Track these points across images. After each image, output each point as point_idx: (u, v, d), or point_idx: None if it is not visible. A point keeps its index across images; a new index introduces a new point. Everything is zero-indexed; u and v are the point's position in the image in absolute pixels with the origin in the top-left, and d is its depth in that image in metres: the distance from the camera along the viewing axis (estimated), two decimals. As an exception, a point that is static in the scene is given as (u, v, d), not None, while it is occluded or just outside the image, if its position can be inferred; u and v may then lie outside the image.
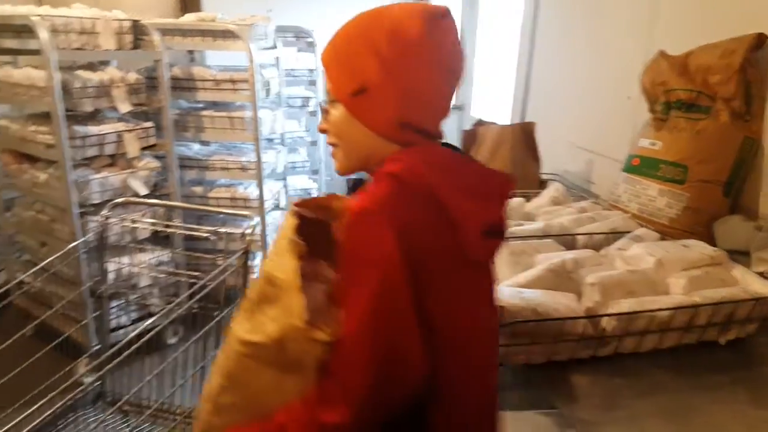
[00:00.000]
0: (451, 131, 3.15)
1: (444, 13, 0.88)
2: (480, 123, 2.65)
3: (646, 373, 1.36)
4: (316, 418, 0.81)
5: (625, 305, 1.38)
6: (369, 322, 0.81)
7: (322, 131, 0.96)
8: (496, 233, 0.93)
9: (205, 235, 1.93)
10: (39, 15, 2.28)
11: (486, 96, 4.00)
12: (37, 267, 2.06)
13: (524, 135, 2.51)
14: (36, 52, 2.48)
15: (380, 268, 0.81)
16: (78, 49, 2.44)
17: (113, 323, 2.74)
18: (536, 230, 1.81)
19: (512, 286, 1.48)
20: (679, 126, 1.95)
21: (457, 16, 4.21)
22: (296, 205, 0.95)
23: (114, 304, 2.74)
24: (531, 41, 3.15)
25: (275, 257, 0.89)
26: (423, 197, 0.85)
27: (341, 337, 0.82)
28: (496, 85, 3.82)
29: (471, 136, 2.57)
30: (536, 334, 1.34)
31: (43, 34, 2.24)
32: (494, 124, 2.67)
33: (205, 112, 3.01)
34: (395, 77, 0.86)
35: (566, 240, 1.78)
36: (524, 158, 2.51)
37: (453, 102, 0.95)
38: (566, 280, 1.51)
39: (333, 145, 0.96)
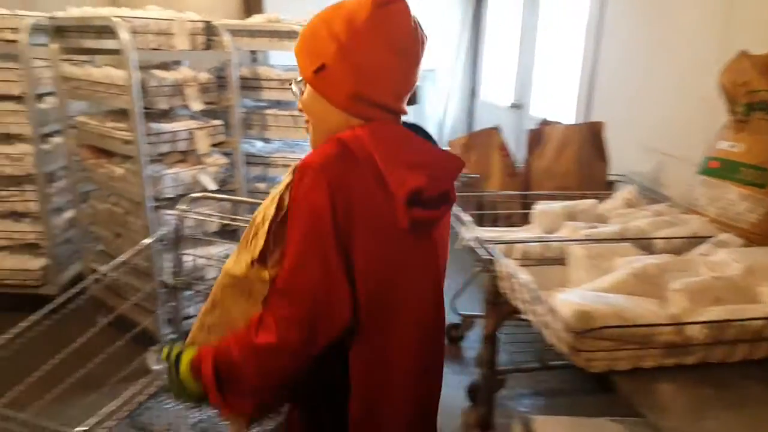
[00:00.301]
0: (508, 129, 3.13)
1: (392, 0, 0.98)
2: (545, 122, 2.61)
3: (736, 384, 1.32)
4: (251, 340, 0.97)
5: (715, 313, 1.34)
6: (296, 263, 0.95)
7: (300, 110, 1.08)
8: (426, 204, 0.99)
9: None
10: (120, 17, 2.38)
11: (546, 94, 3.92)
12: (118, 261, 2.14)
13: (592, 135, 2.47)
14: (115, 52, 2.59)
15: (309, 217, 0.94)
16: (154, 49, 2.53)
17: (182, 314, 2.85)
18: (612, 233, 1.78)
19: (594, 290, 1.47)
20: (762, 128, 1.89)
21: (517, 12, 4.15)
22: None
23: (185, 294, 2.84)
24: (597, 39, 3.09)
25: (266, 203, 1.04)
26: (363, 161, 0.96)
27: (278, 274, 0.97)
28: (557, 84, 3.75)
29: (536, 135, 2.55)
30: (622, 340, 1.32)
31: (124, 35, 2.33)
32: (560, 123, 2.63)
33: (269, 111, 3.07)
34: (348, 55, 0.97)
35: (643, 244, 1.74)
36: (591, 159, 2.47)
37: (417, 82, 1.07)
38: (649, 286, 1.48)
39: (306, 121, 1.08)
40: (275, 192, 1.02)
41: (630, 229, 1.81)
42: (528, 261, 1.71)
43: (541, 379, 2.75)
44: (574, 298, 1.39)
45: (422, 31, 1.03)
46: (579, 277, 1.61)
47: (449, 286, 3.91)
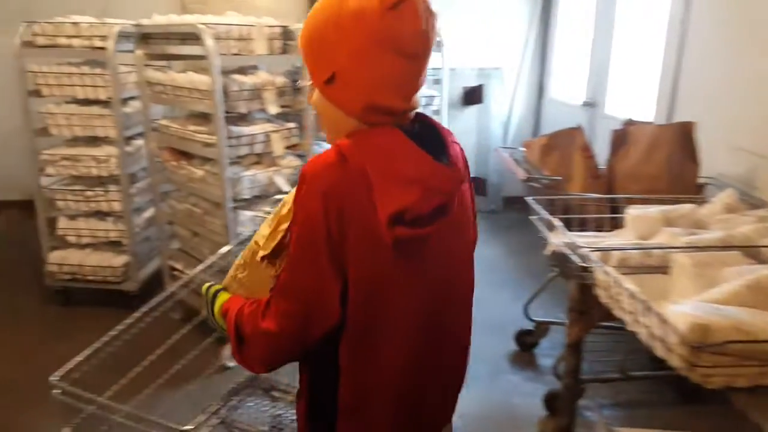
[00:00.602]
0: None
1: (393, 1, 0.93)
2: (630, 122, 2.51)
3: None
4: (258, 322, 1.06)
5: None
6: (292, 266, 1.03)
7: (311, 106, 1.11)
8: (413, 223, 0.98)
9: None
10: (204, 24, 2.44)
11: (624, 92, 3.77)
12: (205, 264, 2.15)
13: (682, 136, 2.35)
14: (197, 58, 2.66)
15: (303, 225, 0.99)
16: (236, 54, 2.59)
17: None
18: (717, 240, 1.68)
19: (706, 302, 1.39)
20: None
21: (591, 6, 4.02)
22: None
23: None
24: (682, 33, 2.94)
25: (287, 199, 1.11)
26: (357, 173, 0.95)
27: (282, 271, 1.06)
28: (636, 80, 3.60)
29: (621, 136, 2.45)
30: (743, 356, 1.24)
31: (209, 41, 2.39)
32: (648, 123, 2.52)
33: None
34: (361, 65, 0.96)
35: (750, 252, 1.64)
36: (682, 161, 2.36)
37: (420, 84, 1.02)
38: (764, 297, 1.39)
39: (320, 121, 1.11)
40: (293, 193, 1.06)
41: (735, 236, 1.71)
42: (626, 269, 1.64)
43: (620, 390, 2.65)
44: (688, 309, 1.32)
45: (434, 23, 0.99)
46: (684, 287, 1.53)
47: (520, 292, 3.85)
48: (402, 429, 1.15)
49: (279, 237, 1.10)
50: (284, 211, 1.10)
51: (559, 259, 1.93)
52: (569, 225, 1.95)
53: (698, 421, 2.50)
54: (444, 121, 3.92)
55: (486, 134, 4.80)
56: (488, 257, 4.11)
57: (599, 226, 2.13)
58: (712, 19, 2.79)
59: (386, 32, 0.94)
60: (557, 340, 3.01)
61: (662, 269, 1.65)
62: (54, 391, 1.31)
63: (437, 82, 3.71)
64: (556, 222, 1.80)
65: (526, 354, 2.98)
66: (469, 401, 2.56)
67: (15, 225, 4.63)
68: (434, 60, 3.74)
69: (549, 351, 2.99)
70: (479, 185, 4.85)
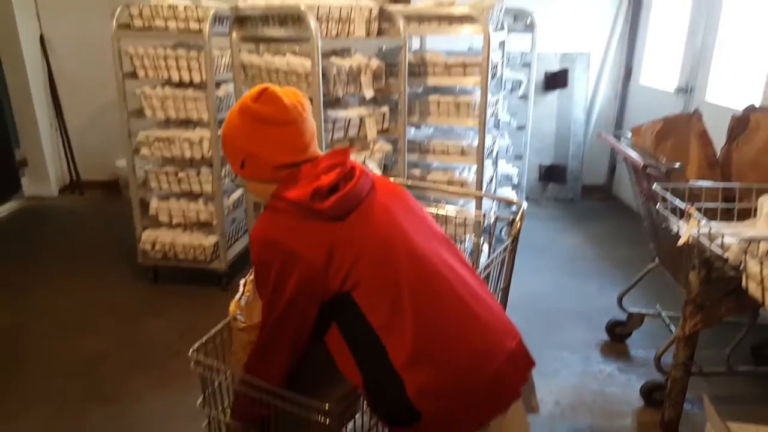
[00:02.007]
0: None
1: (255, 96, 1.27)
2: (753, 108, 2.37)
3: None
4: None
5: None
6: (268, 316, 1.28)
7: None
8: (331, 192, 1.24)
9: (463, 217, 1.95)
10: (306, 5, 2.42)
11: (724, 77, 3.56)
12: None
13: (810, 122, 2.21)
14: (296, 41, 2.66)
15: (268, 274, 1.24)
16: (335, 37, 2.57)
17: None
18: None
19: None
20: None
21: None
22: None
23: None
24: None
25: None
26: (281, 206, 1.24)
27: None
28: (740, 65, 3.39)
29: (742, 122, 2.31)
30: None
31: (313, 23, 2.38)
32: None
33: (431, 97, 3.04)
34: (254, 145, 1.26)
35: None
36: (809, 149, 2.21)
37: (314, 130, 1.33)
38: None
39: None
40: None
41: None
42: (770, 261, 1.55)
43: (720, 384, 2.55)
44: None
45: (298, 99, 1.30)
46: None
47: (605, 282, 3.76)
48: (468, 380, 1.19)
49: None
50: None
51: (690, 250, 1.85)
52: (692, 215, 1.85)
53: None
54: (530, 105, 3.83)
55: (567, 121, 4.65)
56: (568, 247, 4.01)
57: (714, 217, 2.03)
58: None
59: (260, 114, 1.25)
60: (648, 331, 2.92)
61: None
62: (191, 364, 1.36)
63: (526, 65, 3.61)
64: (695, 211, 1.71)
65: (618, 345, 2.90)
66: (562, 390, 2.55)
67: (100, 205, 4.82)
68: (523, 43, 3.67)
69: (640, 342, 2.90)
70: (558, 173, 4.72)
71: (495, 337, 1.25)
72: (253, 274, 1.39)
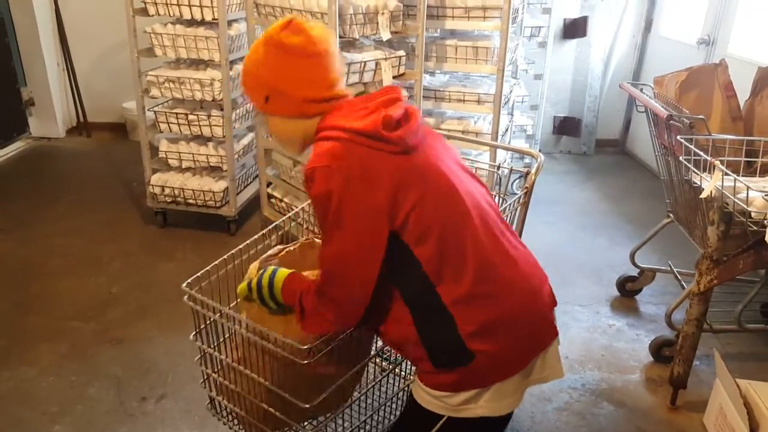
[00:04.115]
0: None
1: (282, 26, 1.23)
2: (782, 60, 2.29)
3: None
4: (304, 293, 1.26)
5: None
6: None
7: (271, 134, 1.34)
8: (398, 126, 1.18)
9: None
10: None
11: (749, 29, 3.42)
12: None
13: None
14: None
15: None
16: (353, -27, 2.47)
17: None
18: None
19: None
20: None
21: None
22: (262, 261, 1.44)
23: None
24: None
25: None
26: (342, 136, 1.15)
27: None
28: (765, 15, 3.25)
29: (766, 75, 2.24)
30: None
31: (332, -41, 2.28)
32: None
33: (449, 41, 2.95)
34: (280, 77, 1.22)
35: None
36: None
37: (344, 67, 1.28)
38: None
39: (282, 144, 1.37)
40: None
41: None
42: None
43: (729, 342, 2.57)
44: None
45: (327, 32, 1.26)
46: None
47: (617, 237, 3.77)
48: (525, 332, 1.22)
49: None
50: None
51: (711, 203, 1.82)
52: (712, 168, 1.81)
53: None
54: (548, 54, 3.71)
55: (584, 71, 4.52)
56: (580, 201, 3.98)
57: (735, 171, 1.99)
58: None
59: (287, 45, 1.20)
60: (658, 287, 2.92)
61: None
62: (185, 297, 1.38)
63: (546, 11, 3.48)
64: (720, 164, 1.67)
65: (628, 300, 2.91)
66: (571, 344, 2.57)
67: (107, 147, 4.78)
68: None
69: (650, 298, 2.91)
70: (573, 126, 4.63)
71: (536, 279, 1.27)
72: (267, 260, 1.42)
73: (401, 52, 2.78)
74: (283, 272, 1.31)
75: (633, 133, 4.77)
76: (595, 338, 2.62)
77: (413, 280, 1.16)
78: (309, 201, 2.13)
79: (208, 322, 1.40)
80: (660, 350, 2.47)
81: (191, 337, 1.44)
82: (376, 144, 1.13)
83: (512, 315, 1.19)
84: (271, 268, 1.33)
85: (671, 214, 2.65)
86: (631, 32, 4.50)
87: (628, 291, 2.93)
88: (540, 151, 4.21)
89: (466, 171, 1.30)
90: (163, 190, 3.33)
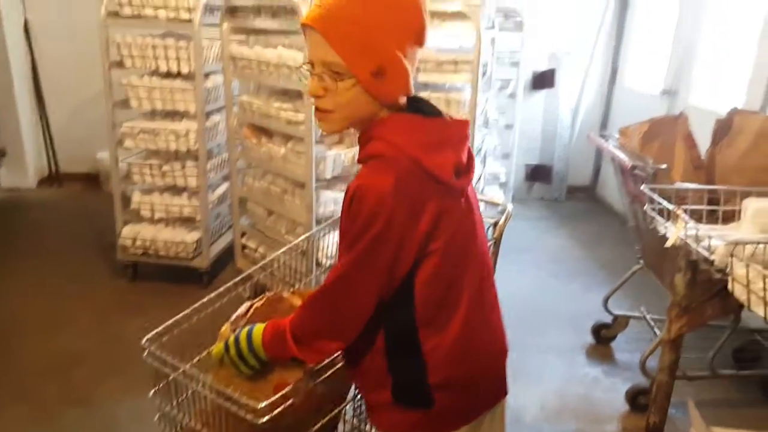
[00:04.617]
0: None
1: None
2: (736, 112, 2.39)
3: None
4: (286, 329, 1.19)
5: None
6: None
7: (316, 95, 1.05)
8: (463, 173, 1.11)
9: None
10: (299, -2, 2.39)
11: (708, 80, 3.59)
12: (287, 247, 2.10)
13: (794, 127, 2.23)
14: (288, 33, 2.63)
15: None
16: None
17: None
18: None
19: None
20: None
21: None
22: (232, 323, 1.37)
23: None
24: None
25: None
26: (406, 164, 1.02)
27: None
28: (724, 68, 3.43)
29: (725, 125, 2.33)
30: None
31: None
32: (755, 113, 2.40)
33: (422, 93, 3.01)
34: (408, 59, 1.02)
35: None
36: (792, 154, 2.24)
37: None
38: None
39: (326, 110, 1.06)
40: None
41: None
42: (756, 264, 1.56)
43: (702, 388, 2.58)
44: None
45: None
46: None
47: (591, 284, 3.79)
48: (484, 388, 1.21)
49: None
50: None
51: (676, 252, 1.86)
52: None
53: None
54: (518, 104, 3.84)
55: (553, 121, 4.68)
56: (553, 247, 4.03)
57: (698, 219, 2.05)
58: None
59: (416, 23, 1.02)
60: (633, 334, 2.94)
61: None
62: (143, 354, 1.34)
63: (514, 64, 3.61)
64: (682, 213, 1.72)
65: (603, 347, 2.92)
66: (547, 394, 2.55)
67: (79, 198, 4.72)
68: (513, 41, 3.66)
69: (625, 345, 2.92)
70: (544, 173, 4.75)
71: (502, 337, 1.27)
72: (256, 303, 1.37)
73: (375, 104, 2.83)
74: (260, 326, 1.25)
75: (603, 179, 4.90)
76: (572, 387, 2.60)
77: (402, 316, 1.12)
78: (283, 250, 2.12)
79: (167, 380, 1.36)
80: (636, 399, 2.46)
81: (150, 394, 1.40)
82: (438, 187, 1.06)
83: (476, 380, 1.19)
84: (246, 327, 1.28)
85: (641, 260, 2.70)
86: (598, 83, 4.69)
87: (602, 338, 2.93)
88: (513, 197, 4.31)
89: (480, 217, 1.26)
90: (134, 242, 3.28)
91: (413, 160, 1.03)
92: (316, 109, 1.08)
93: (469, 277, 1.15)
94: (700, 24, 3.64)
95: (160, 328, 1.34)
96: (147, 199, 3.28)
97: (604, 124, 4.74)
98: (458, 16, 2.76)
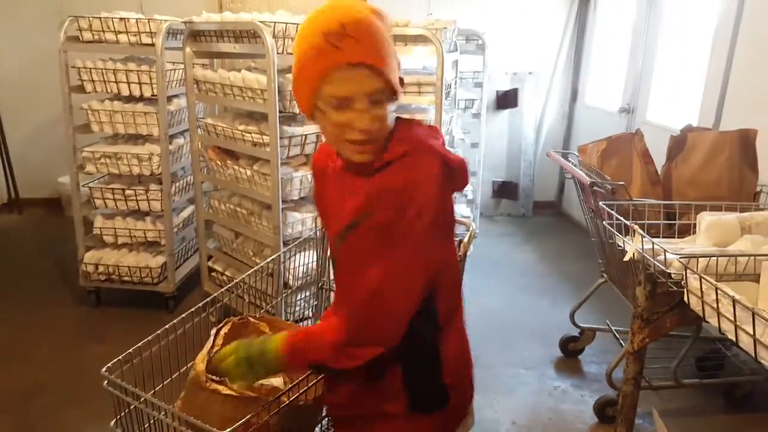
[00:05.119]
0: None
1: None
2: (689, 128, 2.49)
3: None
4: (325, 337, 1.13)
5: None
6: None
7: (372, 128, 1.03)
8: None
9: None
10: (262, 22, 2.41)
11: (663, 98, 3.73)
12: (255, 269, 2.09)
13: (742, 143, 2.33)
14: (252, 56, 2.63)
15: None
16: (291, 53, 2.56)
17: (298, 314, 2.87)
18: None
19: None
20: None
21: (630, 9, 3.98)
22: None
23: (300, 296, 2.85)
24: (732, 36, 2.91)
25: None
26: (438, 157, 1.07)
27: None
28: (678, 86, 3.57)
29: (680, 141, 2.43)
30: None
31: (269, 40, 2.36)
32: (707, 129, 2.50)
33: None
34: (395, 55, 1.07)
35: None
36: (741, 168, 2.34)
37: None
38: None
39: (373, 142, 1.05)
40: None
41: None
42: (712, 276, 1.62)
43: (668, 398, 2.63)
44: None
45: None
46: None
47: (558, 298, 3.86)
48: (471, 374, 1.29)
49: None
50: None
51: (635, 265, 1.91)
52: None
53: (751, 428, 2.49)
54: (482, 123, 3.91)
55: (517, 139, 4.78)
56: (521, 262, 4.08)
57: (656, 233, 2.11)
58: (766, 21, 2.77)
59: (384, 17, 1.06)
60: (600, 346, 2.99)
61: (746, 277, 1.63)
62: (104, 383, 1.32)
63: (478, 85, 3.69)
64: (638, 228, 1.77)
65: (571, 360, 2.96)
66: (518, 408, 2.57)
67: (40, 224, 4.59)
68: (475, 63, 3.74)
69: (593, 357, 2.97)
70: (510, 189, 4.83)
71: None
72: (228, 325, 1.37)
73: (340, 125, 2.85)
74: (277, 337, 1.19)
75: (567, 195, 5.01)
76: (542, 401, 2.63)
77: (427, 316, 1.12)
78: (249, 272, 2.09)
79: (128, 409, 1.33)
80: (604, 410, 2.50)
81: (111, 424, 1.37)
82: (451, 183, 1.11)
83: (471, 373, 1.28)
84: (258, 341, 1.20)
85: (605, 274, 2.76)
86: (559, 102, 4.82)
87: (571, 351, 2.98)
88: (481, 214, 4.37)
89: None
90: (96, 268, 3.20)
91: (440, 154, 1.07)
92: (362, 142, 1.04)
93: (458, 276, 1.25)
94: (655, 44, 3.79)
95: (121, 356, 1.31)
96: (110, 223, 3.22)
97: (566, 142, 4.86)
98: (420, 39, 2.81)
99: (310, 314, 2.84)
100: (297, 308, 2.82)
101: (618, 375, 2.42)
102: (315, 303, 2.30)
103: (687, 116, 3.26)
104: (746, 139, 2.35)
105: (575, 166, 2.57)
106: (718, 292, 1.45)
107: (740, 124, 2.45)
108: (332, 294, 2.77)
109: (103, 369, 1.30)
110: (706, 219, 1.92)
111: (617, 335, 2.75)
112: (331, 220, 1.23)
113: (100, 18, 2.92)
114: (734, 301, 1.38)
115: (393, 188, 1.03)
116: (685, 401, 2.63)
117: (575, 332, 2.96)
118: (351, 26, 0.99)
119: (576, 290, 3.53)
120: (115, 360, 1.33)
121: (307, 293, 2.87)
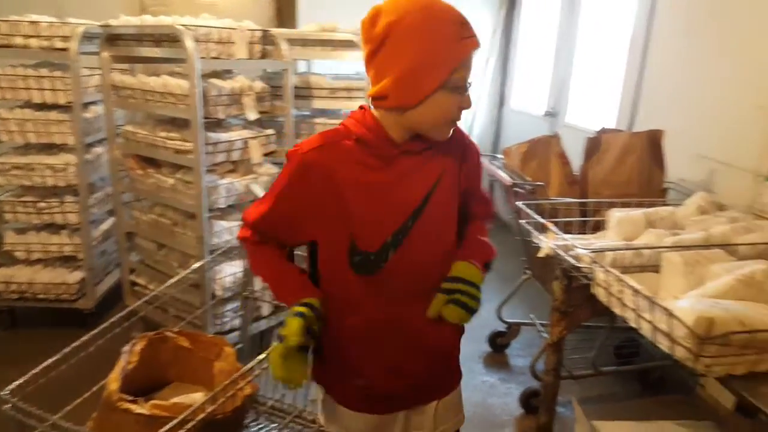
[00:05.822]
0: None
1: None
2: (604, 130, 2.64)
3: None
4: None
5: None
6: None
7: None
8: None
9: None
10: (183, 25, 2.36)
11: (585, 102, 3.92)
12: (175, 279, 2.05)
13: (651, 143, 2.50)
14: (173, 61, 2.57)
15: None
16: (215, 58, 2.52)
17: (227, 326, 2.81)
18: (699, 240, 1.81)
19: (703, 297, 1.49)
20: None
21: (554, 17, 4.17)
22: None
23: (229, 307, 2.80)
24: (644, 43, 3.11)
25: None
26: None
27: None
28: (597, 91, 3.76)
29: (595, 143, 2.57)
30: (745, 345, 1.34)
31: (190, 44, 2.32)
32: (620, 131, 2.66)
33: (318, 120, 3.07)
34: None
35: (729, 250, 1.77)
36: (650, 166, 2.50)
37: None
38: (756, 292, 1.51)
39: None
40: None
41: (715, 235, 1.84)
42: (618, 269, 1.73)
43: (588, 386, 2.77)
44: (691, 304, 1.40)
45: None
46: (676, 284, 1.63)
47: (490, 295, 3.97)
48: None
49: None
50: None
51: (549, 261, 2.01)
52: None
53: (664, 410, 2.65)
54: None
55: (447, 143, 4.88)
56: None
57: (572, 230, 2.23)
58: (673, 29, 2.96)
59: None
60: (526, 340, 3.11)
61: (650, 268, 1.75)
62: (5, 406, 1.23)
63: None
64: (551, 225, 1.87)
65: (499, 355, 3.06)
66: (446, 404, 2.62)
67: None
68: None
69: (519, 351, 3.08)
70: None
71: None
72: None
73: (270, 131, 2.83)
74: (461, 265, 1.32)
75: (496, 196, 5.17)
76: (470, 396, 2.69)
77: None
78: (169, 283, 2.03)
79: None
80: (529, 401, 2.60)
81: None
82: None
83: None
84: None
85: (528, 271, 2.88)
86: (488, 107, 4.99)
87: (499, 346, 3.08)
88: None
89: None
90: (8, 286, 3.01)
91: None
92: (456, 120, 1.20)
93: None
94: (576, 50, 3.98)
95: (26, 377, 1.24)
96: (22, 239, 3.03)
97: (495, 145, 5.03)
98: (348, 44, 2.84)
99: (238, 325, 2.79)
100: (226, 319, 2.77)
101: (541, 367, 2.53)
102: (242, 313, 2.27)
103: (606, 119, 3.46)
104: (654, 140, 2.52)
105: (499, 168, 2.67)
106: (623, 282, 1.55)
107: (652, 125, 2.63)
108: (261, 304, 2.73)
109: (4, 391, 1.22)
110: (615, 215, 2.05)
111: (541, 328, 2.88)
112: (368, 212, 1.19)
113: (8, 21, 2.75)
114: (634, 291, 1.48)
115: (475, 150, 1.35)
116: (604, 388, 2.77)
117: (502, 327, 3.07)
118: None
119: (502, 287, 3.61)
120: (18, 382, 1.25)
121: (237, 304, 2.82)
